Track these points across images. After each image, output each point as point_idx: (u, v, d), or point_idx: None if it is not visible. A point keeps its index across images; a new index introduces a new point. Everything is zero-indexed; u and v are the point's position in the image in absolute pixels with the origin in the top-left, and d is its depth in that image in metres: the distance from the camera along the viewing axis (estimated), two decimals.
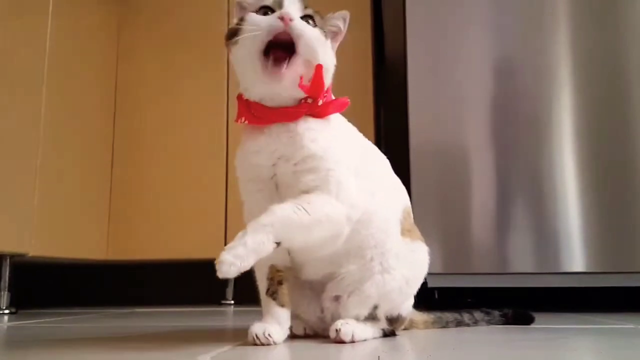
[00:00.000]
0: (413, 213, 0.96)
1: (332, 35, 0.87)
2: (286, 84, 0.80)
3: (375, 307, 0.86)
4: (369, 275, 0.85)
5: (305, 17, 0.82)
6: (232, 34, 0.83)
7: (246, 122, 0.84)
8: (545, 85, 1.56)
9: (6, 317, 1.52)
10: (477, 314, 1.08)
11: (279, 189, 0.83)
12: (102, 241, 2.00)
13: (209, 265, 2.30)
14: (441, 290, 1.58)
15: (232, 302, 2.05)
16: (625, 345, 0.85)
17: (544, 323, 1.13)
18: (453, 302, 1.60)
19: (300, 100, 0.83)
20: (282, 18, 0.78)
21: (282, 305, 0.83)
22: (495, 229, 1.52)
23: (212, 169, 2.03)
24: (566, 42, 1.57)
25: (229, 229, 1.99)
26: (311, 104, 0.82)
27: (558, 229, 1.49)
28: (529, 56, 1.58)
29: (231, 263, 0.70)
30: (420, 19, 1.65)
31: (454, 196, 1.55)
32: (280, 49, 0.79)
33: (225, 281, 2.07)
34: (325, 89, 0.84)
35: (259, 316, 0.84)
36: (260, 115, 0.83)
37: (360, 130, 0.93)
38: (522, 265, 1.49)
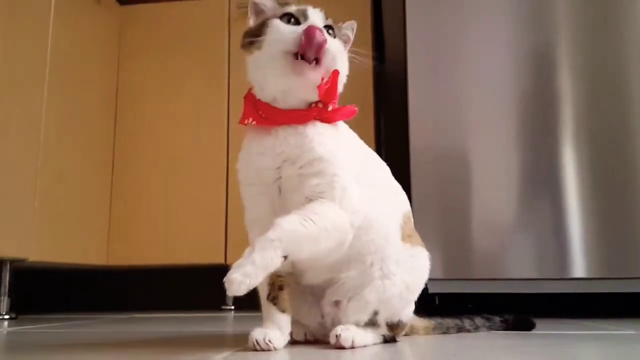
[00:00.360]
0: (413, 218, 0.96)
1: (343, 44, 0.88)
2: (309, 84, 0.81)
3: (376, 313, 0.86)
4: (369, 281, 0.85)
5: (326, 27, 0.84)
6: (252, 37, 0.84)
7: (253, 122, 0.84)
8: (547, 87, 1.56)
9: (6, 323, 1.52)
10: (478, 320, 1.08)
11: (282, 193, 0.83)
12: (102, 246, 2.00)
13: (209, 271, 2.31)
14: (442, 296, 1.57)
15: (233, 307, 2.05)
16: (626, 351, 0.85)
17: (544, 329, 1.13)
18: (454, 308, 1.60)
19: (311, 104, 0.83)
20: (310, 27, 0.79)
21: (283, 311, 0.83)
22: (496, 235, 1.52)
23: (212, 173, 2.03)
24: (568, 42, 1.58)
25: (229, 235, 1.99)
26: (321, 109, 0.83)
27: (559, 235, 1.49)
28: (530, 58, 1.58)
29: (240, 282, 0.70)
30: (421, 21, 1.65)
31: (454, 201, 1.55)
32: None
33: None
34: (339, 90, 0.86)
35: (260, 322, 0.84)
36: (268, 116, 0.83)
37: (360, 134, 0.93)
38: (522, 271, 1.49)
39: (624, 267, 1.45)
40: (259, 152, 0.83)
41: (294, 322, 0.86)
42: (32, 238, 1.63)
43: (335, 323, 0.85)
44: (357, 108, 0.88)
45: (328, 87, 0.82)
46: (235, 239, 1.96)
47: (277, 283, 0.84)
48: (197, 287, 2.23)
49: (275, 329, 0.81)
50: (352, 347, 0.81)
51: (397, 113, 1.94)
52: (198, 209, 2.02)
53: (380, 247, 0.86)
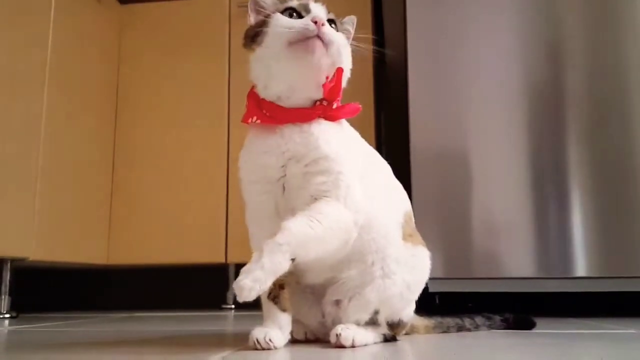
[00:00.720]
0: (414, 217, 0.96)
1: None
2: (320, 60, 0.80)
3: (376, 312, 0.86)
4: (369, 280, 0.85)
5: (329, 21, 0.84)
6: (254, 35, 0.84)
7: (258, 121, 0.84)
8: (548, 87, 1.56)
9: (7, 322, 1.52)
10: (478, 319, 1.08)
11: (285, 192, 0.83)
12: (103, 245, 2.01)
13: (209, 270, 2.30)
14: (442, 295, 1.57)
15: (233, 306, 2.05)
16: (627, 350, 0.85)
17: (545, 328, 1.13)
18: (454, 307, 1.60)
19: (315, 102, 0.84)
20: (315, 22, 0.79)
21: (284, 310, 0.83)
22: (496, 234, 1.52)
23: (213, 173, 2.03)
24: (570, 41, 1.58)
25: (229, 233, 1.99)
26: (326, 107, 0.83)
27: (559, 234, 1.49)
28: (531, 56, 1.58)
29: (250, 287, 0.70)
30: (421, 21, 1.65)
31: (455, 200, 1.55)
32: None
33: (226, 285, 2.07)
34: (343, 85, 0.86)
35: (260, 321, 0.84)
36: (273, 114, 0.83)
37: (361, 133, 0.93)
38: (523, 270, 1.49)
39: (624, 266, 1.45)
40: (264, 151, 0.83)
41: (295, 321, 0.86)
42: (32, 237, 1.63)
43: (336, 322, 0.85)
44: (360, 106, 0.88)
45: (332, 85, 0.82)
46: (236, 238, 1.96)
47: (277, 282, 0.84)
48: (197, 286, 2.24)
49: (275, 328, 0.81)
50: (353, 346, 0.81)
51: (398, 112, 1.94)
52: (198, 208, 2.02)
53: (381, 246, 0.86)
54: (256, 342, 0.79)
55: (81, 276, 2.33)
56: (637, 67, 1.53)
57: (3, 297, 1.64)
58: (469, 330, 1.06)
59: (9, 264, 1.66)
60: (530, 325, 1.09)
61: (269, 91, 0.84)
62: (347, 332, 0.82)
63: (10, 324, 1.43)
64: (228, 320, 1.54)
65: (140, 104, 2.13)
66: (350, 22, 0.92)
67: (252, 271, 0.71)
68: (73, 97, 1.86)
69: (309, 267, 0.85)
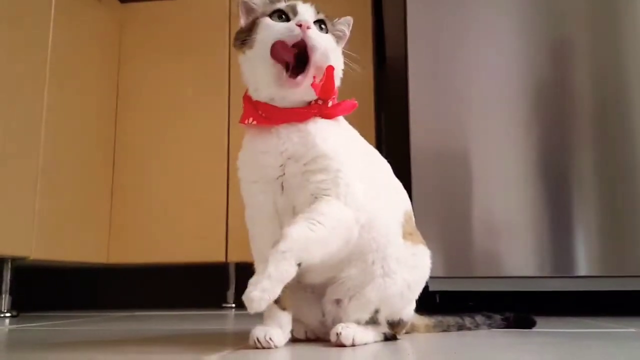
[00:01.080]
0: (414, 217, 0.96)
1: (337, 39, 0.88)
2: (301, 91, 0.81)
3: (377, 311, 0.86)
4: (370, 279, 0.85)
5: (318, 22, 0.84)
6: (244, 37, 0.84)
7: (254, 122, 0.84)
8: (548, 87, 1.56)
9: (7, 320, 1.52)
10: (479, 318, 1.08)
11: (284, 190, 0.83)
12: (103, 244, 2.01)
13: (210, 269, 2.30)
14: (442, 294, 1.57)
15: (233, 305, 2.05)
16: (627, 349, 0.85)
17: (545, 327, 1.13)
18: (454, 306, 1.60)
19: (310, 101, 0.84)
20: (299, 25, 0.79)
21: (284, 309, 0.83)
22: (496, 233, 1.52)
23: (213, 172, 2.03)
24: (571, 41, 1.57)
25: (230, 232, 1.99)
26: (321, 105, 0.84)
27: (560, 233, 1.49)
28: (532, 57, 1.58)
29: (260, 298, 0.71)
30: (421, 21, 1.65)
31: (455, 199, 1.55)
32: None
33: (226, 284, 2.07)
34: (337, 85, 0.85)
35: (260, 319, 0.84)
36: (269, 115, 0.83)
37: (361, 133, 0.93)
38: (523, 269, 1.49)
39: (625, 265, 1.45)
40: (262, 151, 0.83)
41: (295, 320, 0.86)
42: (33, 236, 1.63)
43: (336, 321, 0.85)
44: (356, 102, 0.88)
45: (324, 84, 0.82)
46: (236, 237, 1.96)
47: None
48: (198, 285, 2.24)
49: (276, 327, 0.81)
50: (353, 345, 0.81)
51: (398, 112, 1.94)
52: (199, 207, 2.02)
53: (381, 245, 0.85)
54: (256, 341, 0.79)
55: (81, 275, 2.33)
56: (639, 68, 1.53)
57: (3, 296, 1.64)
58: (469, 329, 1.06)
59: (9, 263, 1.66)
60: (530, 324, 1.09)
61: (260, 93, 0.85)
62: (348, 331, 0.82)
63: (10, 323, 1.44)
64: (228, 319, 1.55)
65: (141, 103, 2.13)
66: (345, 22, 0.91)
67: (259, 282, 0.71)
68: (73, 96, 1.86)
69: (310, 267, 0.85)
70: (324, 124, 0.84)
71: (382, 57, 2.35)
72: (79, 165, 1.89)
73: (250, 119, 0.84)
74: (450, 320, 1.06)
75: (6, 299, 1.64)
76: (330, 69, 0.82)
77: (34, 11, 1.69)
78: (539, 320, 1.11)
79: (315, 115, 0.83)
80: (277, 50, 0.80)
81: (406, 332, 0.97)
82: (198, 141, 2.07)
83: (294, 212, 0.81)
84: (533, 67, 1.58)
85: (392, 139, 2.23)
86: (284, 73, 0.80)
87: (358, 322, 0.85)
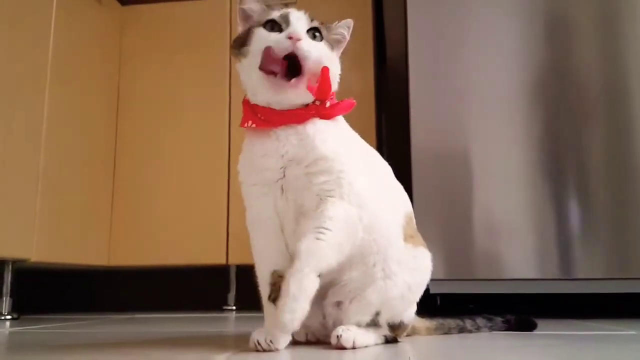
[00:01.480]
0: (415, 218, 0.96)
1: (336, 43, 0.88)
2: (297, 94, 0.82)
3: (377, 314, 0.86)
4: (370, 281, 0.85)
5: (312, 30, 0.84)
6: (239, 45, 0.85)
7: (253, 125, 0.84)
8: (549, 88, 1.56)
9: (8, 323, 1.52)
10: (480, 320, 1.07)
11: (284, 193, 0.83)
12: (104, 247, 2.01)
13: (211, 271, 2.30)
14: (443, 296, 1.57)
15: (234, 308, 2.05)
16: (628, 352, 0.85)
17: (546, 329, 1.13)
18: (455, 309, 1.60)
19: (308, 104, 0.84)
20: (290, 37, 0.79)
21: None
22: (497, 235, 1.52)
23: (214, 174, 2.03)
24: (572, 41, 1.57)
25: (230, 235, 1.99)
26: (319, 106, 0.83)
27: (560, 235, 1.49)
28: (532, 57, 1.58)
29: (291, 319, 0.73)
30: (422, 21, 1.65)
31: (456, 201, 1.55)
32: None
33: (227, 287, 2.07)
34: (334, 88, 0.85)
35: (261, 322, 0.84)
36: (267, 118, 0.83)
37: (362, 134, 0.93)
38: (524, 271, 1.49)
39: (625, 268, 1.45)
40: (262, 155, 0.83)
41: None
42: (34, 239, 1.63)
43: (337, 324, 0.85)
44: (355, 101, 0.88)
45: (319, 85, 0.82)
46: (237, 240, 1.96)
47: (278, 283, 0.84)
48: (199, 288, 2.24)
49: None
50: (353, 348, 0.81)
51: (399, 112, 1.94)
52: (199, 209, 2.02)
53: (382, 248, 0.85)
54: (257, 344, 0.79)
55: (82, 277, 2.33)
56: None
57: (4, 298, 1.64)
58: (470, 331, 1.06)
59: (10, 265, 1.66)
60: (531, 327, 1.09)
61: (257, 98, 0.85)
62: (348, 333, 0.82)
63: (11, 326, 1.43)
64: (229, 322, 1.54)
65: (142, 104, 2.13)
66: (345, 25, 0.90)
67: (285, 305, 0.73)
68: (74, 98, 1.86)
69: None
70: (322, 125, 0.84)
71: (383, 58, 2.35)
72: (80, 167, 1.89)
73: (250, 122, 0.84)
74: (451, 322, 1.06)
75: (7, 302, 1.64)
76: (325, 69, 0.82)
77: (35, 12, 1.69)
78: (540, 322, 1.10)
79: (313, 116, 0.83)
80: (266, 63, 0.80)
81: (407, 335, 0.97)
82: (199, 143, 2.07)
83: (301, 214, 0.82)
84: (534, 67, 1.58)
85: (393, 139, 2.23)
86: (278, 78, 0.80)
87: (359, 325, 0.85)
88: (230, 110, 2.07)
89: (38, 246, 1.64)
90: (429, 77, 1.62)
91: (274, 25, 0.83)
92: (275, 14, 0.83)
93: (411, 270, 0.88)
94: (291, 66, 0.80)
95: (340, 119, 0.88)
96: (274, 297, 0.83)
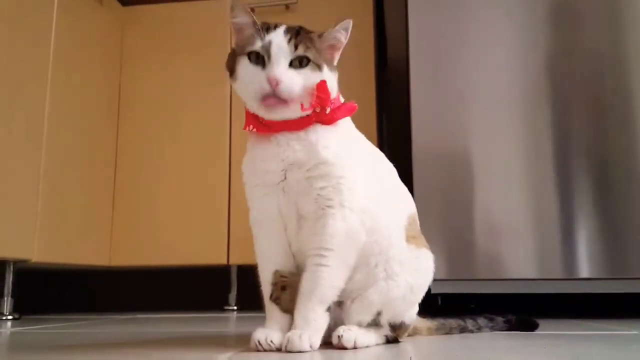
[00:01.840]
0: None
1: (330, 49, 0.86)
2: (288, 113, 0.81)
3: (379, 314, 0.86)
4: (372, 282, 0.85)
5: (298, 59, 0.80)
6: (230, 69, 0.84)
7: (254, 130, 0.84)
8: (550, 88, 1.56)
9: (9, 323, 1.52)
10: (481, 320, 1.07)
11: (285, 194, 0.83)
12: (105, 247, 2.01)
13: (211, 271, 2.30)
14: (444, 296, 1.57)
15: (235, 308, 2.05)
16: (629, 352, 0.85)
17: (547, 329, 1.12)
18: (456, 309, 1.60)
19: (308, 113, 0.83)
20: (269, 81, 0.78)
21: (285, 311, 0.83)
22: (498, 235, 1.51)
23: (215, 174, 2.03)
24: (572, 42, 1.57)
25: (232, 235, 1.99)
26: (319, 113, 0.83)
27: (562, 235, 1.49)
28: (533, 58, 1.58)
29: (310, 345, 0.77)
30: (423, 22, 1.65)
31: (457, 201, 1.55)
32: None
33: (228, 287, 2.07)
34: (332, 97, 0.84)
35: (262, 322, 0.84)
36: (269, 123, 0.83)
37: (363, 135, 0.93)
38: (525, 271, 1.49)
39: (627, 268, 1.45)
40: (263, 159, 0.83)
41: None
42: (35, 239, 1.63)
43: (338, 323, 0.85)
44: (356, 104, 0.87)
45: (317, 96, 0.81)
46: (238, 240, 1.96)
47: (280, 283, 0.84)
48: (199, 288, 2.24)
49: (277, 329, 0.81)
50: (354, 348, 0.81)
51: (400, 113, 1.94)
52: (200, 209, 2.02)
53: (384, 248, 0.86)
54: (258, 344, 0.79)
55: (83, 278, 2.33)
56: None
57: (5, 298, 1.64)
58: (471, 331, 1.06)
59: (11, 266, 1.66)
60: (532, 327, 1.09)
61: (255, 110, 0.84)
62: (349, 333, 0.82)
63: (12, 326, 1.44)
64: (230, 322, 1.54)
65: (142, 105, 2.13)
66: (342, 28, 0.86)
67: (301, 333, 0.77)
68: (75, 98, 1.87)
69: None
70: (324, 132, 0.83)
71: (384, 58, 2.35)
72: (81, 167, 1.89)
73: (251, 127, 0.85)
74: (453, 322, 1.06)
75: (8, 302, 1.64)
76: (322, 83, 0.81)
77: (36, 12, 1.69)
78: (541, 322, 1.10)
79: (314, 122, 0.83)
80: None
81: (408, 335, 0.97)
82: (199, 143, 2.07)
83: (302, 216, 0.83)
84: (535, 68, 1.58)
85: (394, 140, 2.23)
86: (265, 106, 0.80)
87: (360, 324, 0.85)
88: (231, 111, 2.07)
89: (39, 246, 1.65)
90: (429, 78, 1.62)
91: (257, 57, 0.81)
92: (257, 45, 0.81)
93: (413, 271, 0.88)
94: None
95: (342, 121, 0.87)
96: (276, 296, 0.83)
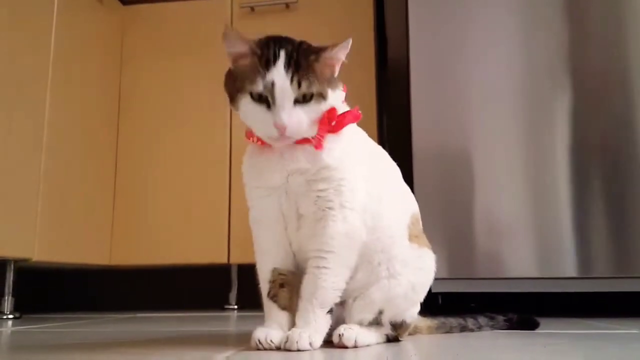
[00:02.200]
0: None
1: (331, 68, 0.83)
2: (293, 140, 0.80)
3: (380, 312, 0.86)
4: (375, 280, 0.85)
5: (303, 97, 0.78)
6: (230, 98, 0.83)
7: (258, 142, 0.84)
8: (550, 87, 1.56)
9: (10, 322, 1.52)
10: (481, 319, 1.07)
11: (287, 195, 0.83)
12: (106, 246, 2.01)
13: (212, 270, 2.29)
14: (445, 295, 1.57)
15: (236, 306, 2.05)
16: (630, 350, 0.85)
17: (548, 328, 1.12)
18: (457, 307, 1.60)
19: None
20: (276, 126, 0.77)
21: (284, 308, 0.83)
22: (499, 234, 1.52)
23: (215, 173, 2.03)
24: (572, 42, 1.57)
25: (232, 234, 1.99)
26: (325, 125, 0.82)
27: (563, 234, 1.49)
28: (533, 57, 1.58)
29: (311, 344, 0.78)
30: (423, 22, 1.65)
31: (457, 200, 1.55)
32: None
33: (228, 286, 2.07)
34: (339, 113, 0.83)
35: (262, 321, 0.84)
36: None
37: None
38: (526, 270, 1.49)
39: (628, 266, 1.45)
40: (268, 169, 0.83)
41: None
42: (35, 238, 1.64)
43: (340, 322, 0.85)
44: (360, 111, 0.86)
45: (327, 117, 0.81)
46: (238, 239, 1.96)
47: (278, 281, 0.84)
48: (200, 287, 2.24)
49: (277, 328, 0.82)
50: (355, 347, 0.81)
51: (400, 113, 1.94)
52: (201, 209, 2.02)
53: (386, 246, 0.86)
54: (258, 343, 0.79)
55: (84, 277, 2.33)
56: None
57: (6, 297, 1.64)
58: (472, 330, 1.06)
59: (12, 265, 1.66)
60: (533, 326, 1.09)
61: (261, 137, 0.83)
62: (350, 332, 0.82)
63: (13, 325, 1.44)
64: (231, 321, 1.55)
65: (143, 104, 2.13)
66: (342, 47, 0.82)
67: (303, 332, 0.78)
68: (75, 97, 1.87)
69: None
70: (329, 140, 0.82)
71: (384, 59, 2.35)
72: (82, 166, 1.89)
73: (254, 138, 0.84)
74: (453, 321, 1.06)
75: (9, 301, 1.64)
76: (332, 110, 0.81)
77: (36, 12, 1.69)
78: (542, 321, 1.10)
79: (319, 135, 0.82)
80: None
81: (409, 334, 0.97)
82: (200, 143, 2.07)
83: (299, 217, 0.83)
84: (535, 68, 1.58)
85: (394, 140, 2.23)
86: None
87: (361, 323, 0.85)
88: (232, 111, 2.06)
89: (40, 246, 1.65)
90: (430, 78, 1.62)
91: (260, 97, 0.78)
92: (259, 86, 0.77)
93: (416, 269, 0.88)
94: None
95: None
96: (273, 293, 0.83)
